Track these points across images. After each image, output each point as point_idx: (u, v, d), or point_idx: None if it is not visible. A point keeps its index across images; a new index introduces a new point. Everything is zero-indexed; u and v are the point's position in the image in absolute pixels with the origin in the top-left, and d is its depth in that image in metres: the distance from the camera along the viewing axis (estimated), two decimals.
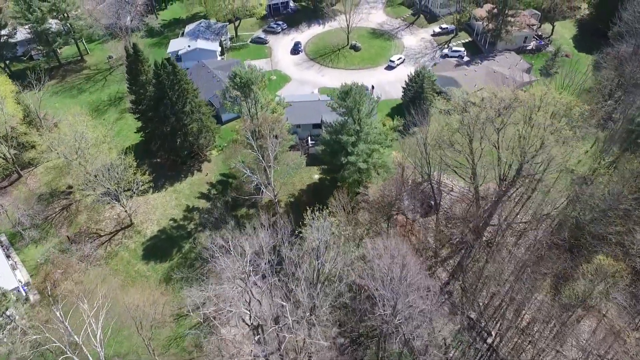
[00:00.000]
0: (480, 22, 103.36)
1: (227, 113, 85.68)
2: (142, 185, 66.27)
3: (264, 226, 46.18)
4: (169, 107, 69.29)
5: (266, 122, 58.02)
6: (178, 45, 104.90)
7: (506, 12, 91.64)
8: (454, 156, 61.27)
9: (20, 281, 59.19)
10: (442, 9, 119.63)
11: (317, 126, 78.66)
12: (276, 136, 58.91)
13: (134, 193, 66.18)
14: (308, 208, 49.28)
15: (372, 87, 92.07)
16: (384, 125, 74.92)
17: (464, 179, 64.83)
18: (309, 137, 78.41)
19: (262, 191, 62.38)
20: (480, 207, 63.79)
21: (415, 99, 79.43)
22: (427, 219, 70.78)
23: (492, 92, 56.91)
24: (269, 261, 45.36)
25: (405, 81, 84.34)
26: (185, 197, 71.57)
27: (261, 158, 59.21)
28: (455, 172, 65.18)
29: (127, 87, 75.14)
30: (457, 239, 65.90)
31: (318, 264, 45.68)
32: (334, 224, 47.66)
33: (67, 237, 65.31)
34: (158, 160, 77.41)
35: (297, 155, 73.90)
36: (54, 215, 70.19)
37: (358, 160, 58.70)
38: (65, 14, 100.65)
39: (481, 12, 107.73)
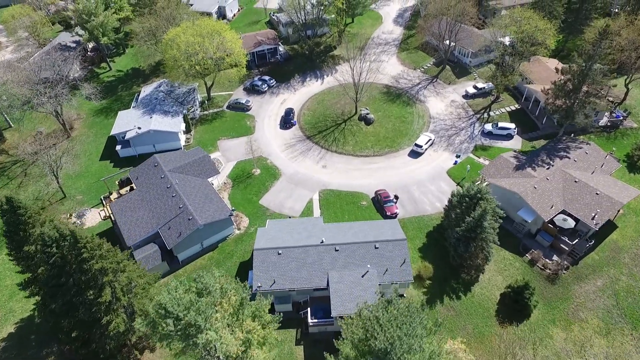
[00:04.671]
0: (534, 89, 74.26)
1: (185, 251, 56.29)
2: None
3: None
4: (74, 295, 39.84)
5: None
6: (126, 122, 74.18)
7: (584, 87, 62.26)
8: None
9: None
10: (473, 59, 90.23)
11: (321, 288, 49.20)
12: None
13: None
14: None
15: (396, 197, 62.52)
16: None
17: None
18: (308, 307, 48.79)
19: None
20: None
21: (470, 239, 50.26)
22: None
23: None
24: None
25: (451, 200, 54.91)
26: None
27: None
28: None
29: (8, 256, 45.15)
30: None
31: None
32: None
33: None
34: (69, 347, 47.84)
35: None
36: None
37: None
38: None
39: (534, 74, 78.41)
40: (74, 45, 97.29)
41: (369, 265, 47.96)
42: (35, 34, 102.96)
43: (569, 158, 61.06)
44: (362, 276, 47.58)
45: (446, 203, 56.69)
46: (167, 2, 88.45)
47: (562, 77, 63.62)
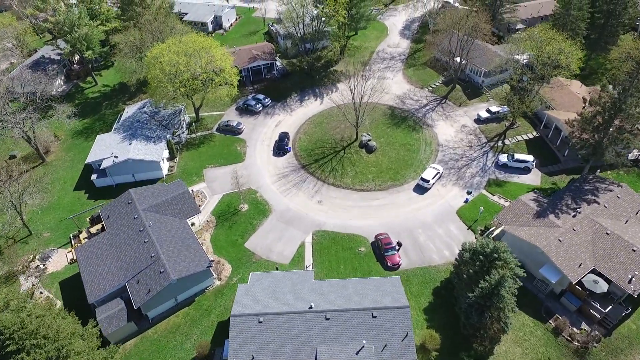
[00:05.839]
0: (555, 116, 65.95)
1: (156, 307, 48.76)
2: None
3: None
4: None
5: None
6: (104, 148, 66.86)
7: (616, 122, 53.91)
8: None
9: None
10: (486, 78, 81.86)
11: None
12: None
13: None
14: None
15: (399, 244, 54.59)
16: None
17: None
18: None
19: None
20: None
21: (484, 308, 42.31)
22: None
23: None
24: None
25: (461, 254, 46.95)
26: None
27: None
28: None
29: None
30: None
31: None
32: None
33: None
34: None
35: None
36: None
37: None
38: None
39: (555, 100, 70.14)
40: (58, 57, 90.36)
41: (364, 341, 40.14)
42: (20, 44, 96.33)
43: (598, 203, 52.67)
44: (357, 353, 39.86)
45: (456, 255, 48.80)
46: (155, 14, 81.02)
47: (590, 108, 55.25)
